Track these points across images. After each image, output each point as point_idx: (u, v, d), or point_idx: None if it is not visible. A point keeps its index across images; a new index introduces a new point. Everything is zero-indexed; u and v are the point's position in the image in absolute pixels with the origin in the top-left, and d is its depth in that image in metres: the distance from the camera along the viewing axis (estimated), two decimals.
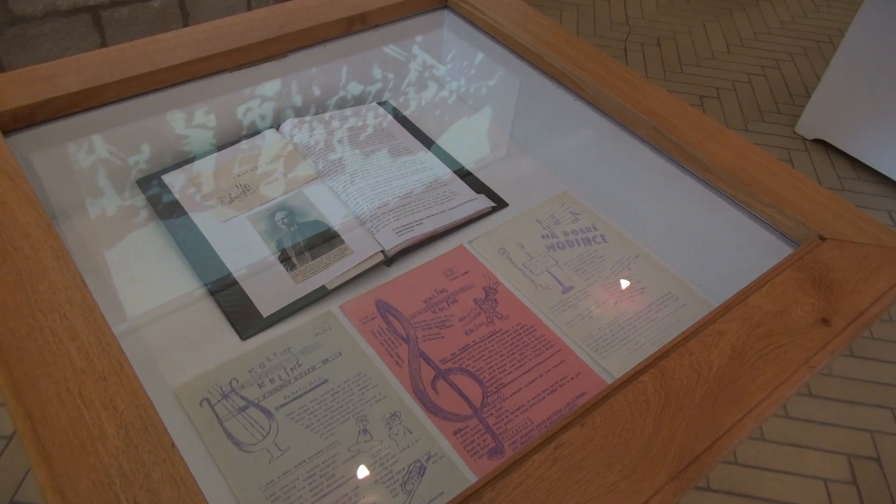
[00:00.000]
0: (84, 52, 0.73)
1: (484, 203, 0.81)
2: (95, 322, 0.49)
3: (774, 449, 1.29)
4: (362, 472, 0.57)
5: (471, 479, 0.58)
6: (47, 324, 0.48)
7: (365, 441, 0.59)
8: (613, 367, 0.67)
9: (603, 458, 0.46)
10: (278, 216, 0.77)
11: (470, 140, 0.92)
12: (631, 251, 0.78)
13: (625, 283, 0.75)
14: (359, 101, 0.95)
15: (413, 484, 0.57)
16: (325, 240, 0.75)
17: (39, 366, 0.46)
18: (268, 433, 0.59)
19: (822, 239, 0.64)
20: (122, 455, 0.42)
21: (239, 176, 0.81)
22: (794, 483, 1.24)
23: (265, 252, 0.73)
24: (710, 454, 0.47)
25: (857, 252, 0.62)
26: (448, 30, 0.96)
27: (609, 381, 0.66)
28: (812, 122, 2.01)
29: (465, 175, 0.85)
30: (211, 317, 0.68)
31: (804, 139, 2.05)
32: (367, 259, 0.72)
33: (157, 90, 0.75)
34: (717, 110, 2.14)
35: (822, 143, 2.03)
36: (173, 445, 0.43)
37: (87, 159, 0.75)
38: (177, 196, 0.77)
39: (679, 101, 0.77)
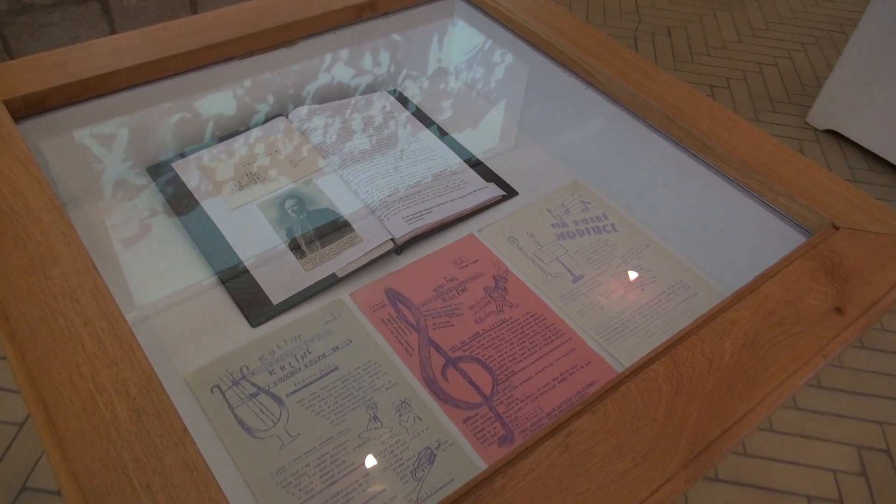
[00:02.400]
0: (93, 39, 0.73)
1: (494, 192, 0.81)
2: (108, 308, 0.49)
3: (783, 440, 1.28)
4: (373, 459, 0.57)
5: (481, 466, 0.58)
6: (59, 309, 0.49)
7: (375, 428, 0.59)
8: (624, 355, 0.67)
9: (614, 445, 0.46)
10: (288, 204, 0.77)
11: (480, 128, 0.92)
12: (641, 240, 0.78)
13: (635, 273, 0.75)
14: (369, 89, 0.94)
15: (423, 471, 0.57)
16: (335, 228, 0.74)
17: (52, 351, 0.46)
18: (278, 420, 0.59)
19: (836, 228, 0.63)
20: (134, 439, 0.42)
21: (249, 164, 0.80)
22: (803, 474, 1.23)
23: (275, 240, 0.73)
24: (722, 442, 0.47)
25: (870, 241, 0.62)
26: (458, 17, 0.96)
27: (619, 369, 0.66)
28: (824, 113, 1.99)
29: (475, 164, 0.85)
30: (221, 304, 0.68)
31: (815, 130, 2.03)
32: (377, 247, 0.72)
33: (167, 77, 0.75)
34: (728, 101, 2.12)
35: (833, 134, 2.01)
36: (186, 430, 0.43)
37: (97, 146, 0.75)
38: (187, 184, 0.77)
39: (691, 89, 0.76)
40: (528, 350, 0.66)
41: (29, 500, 1.11)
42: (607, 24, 2.42)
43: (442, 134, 0.89)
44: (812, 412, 1.33)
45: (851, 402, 1.36)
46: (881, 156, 1.91)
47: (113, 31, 1.73)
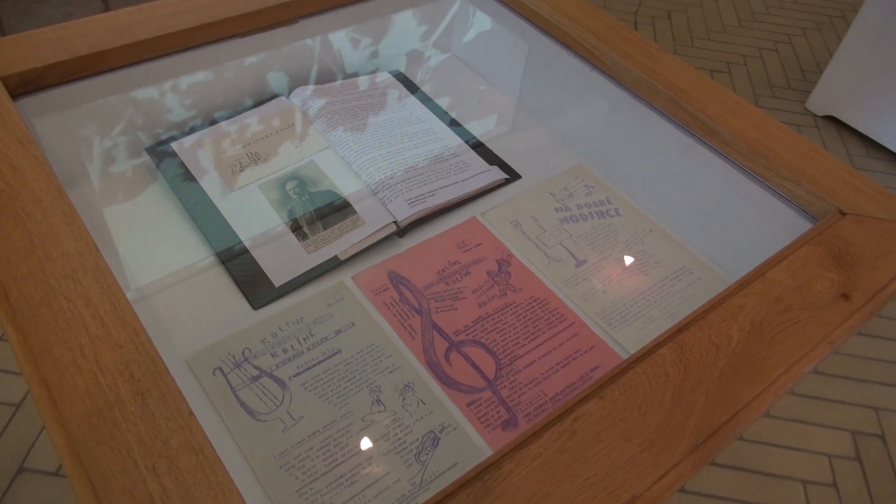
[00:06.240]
0: (88, 17, 0.72)
1: (497, 175, 0.80)
2: (110, 288, 0.48)
3: (780, 425, 1.29)
4: (376, 442, 0.57)
5: (485, 450, 0.58)
6: (61, 290, 0.48)
7: (378, 412, 0.59)
8: (627, 340, 0.67)
9: (622, 430, 0.46)
10: (289, 185, 0.76)
11: (483, 110, 0.91)
12: (645, 225, 0.78)
13: (638, 258, 0.74)
14: (370, 69, 0.93)
15: (427, 454, 0.57)
16: (336, 210, 0.74)
17: (54, 332, 0.46)
18: (281, 403, 0.59)
19: (843, 214, 0.63)
20: (139, 422, 0.42)
21: (249, 144, 0.79)
22: (798, 459, 1.24)
23: (276, 221, 0.72)
24: (729, 428, 0.46)
25: (877, 227, 0.62)
26: None
27: (623, 354, 0.66)
28: (823, 99, 1.99)
29: (477, 146, 0.84)
30: (222, 286, 0.67)
31: (815, 116, 2.02)
32: (379, 230, 0.72)
33: (166, 55, 0.74)
34: (728, 86, 2.11)
35: (832, 120, 2.00)
36: (191, 413, 0.42)
37: (95, 125, 0.74)
38: (187, 164, 0.76)
39: (697, 72, 0.76)
40: (532, 334, 0.66)
41: (26, 481, 1.11)
42: (607, 6, 2.40)
43: (444, 115, 0.88)
44: (808, 398, 1.34)
45: (847, 388, 1.37)
46: (880, 142, 1.90)
47: (107, 9, 1.71)
